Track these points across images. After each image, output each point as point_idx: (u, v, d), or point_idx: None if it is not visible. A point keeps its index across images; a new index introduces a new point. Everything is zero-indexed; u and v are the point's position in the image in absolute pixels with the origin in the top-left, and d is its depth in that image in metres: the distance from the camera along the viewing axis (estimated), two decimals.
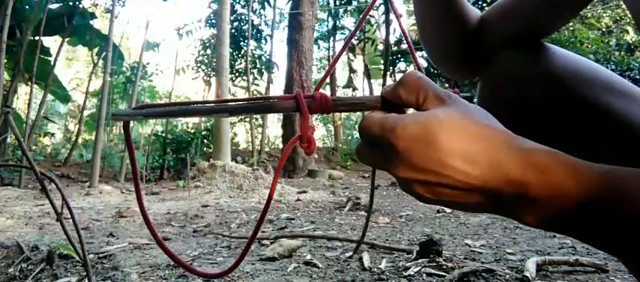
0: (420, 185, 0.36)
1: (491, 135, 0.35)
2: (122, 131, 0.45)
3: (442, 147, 0.34)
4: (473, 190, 0.34)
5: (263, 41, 13.69)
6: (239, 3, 13.07)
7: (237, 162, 7.27)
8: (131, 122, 0.46)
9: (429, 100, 0.38)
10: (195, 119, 16.16)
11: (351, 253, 1.49)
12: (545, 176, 0.33)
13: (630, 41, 8.81)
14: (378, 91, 16.84)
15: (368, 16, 13.88)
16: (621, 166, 0.33)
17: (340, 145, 14.30)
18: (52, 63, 8.65)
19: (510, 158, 0.33)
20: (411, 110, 0.41)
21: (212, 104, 0.44)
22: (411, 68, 12.72)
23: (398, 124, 0.35)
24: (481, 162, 0.34)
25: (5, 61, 5.82)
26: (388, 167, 0.37)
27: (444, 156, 0.34)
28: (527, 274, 1.16)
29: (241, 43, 12.91)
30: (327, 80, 17.18)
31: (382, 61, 13.14)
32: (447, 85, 11.67)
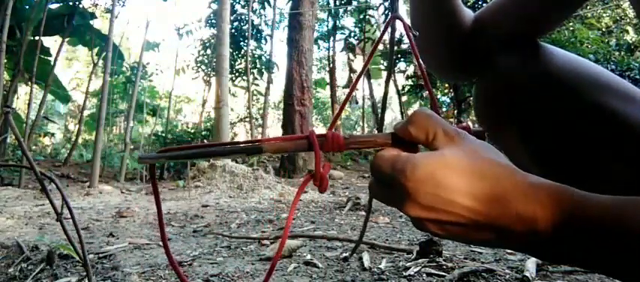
0: (432, 223, 0.36)
1: (498, 172, 0.35)
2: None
3: (450, 186, 0.35)
4: (483, 227, 0.35)
5: (263, 41, 13.68)
6: (239, 3, 13.05)
7: (237, 162, 7.27)
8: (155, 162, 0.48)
9: (439, 139, 0.39)
10: (196, 119, 16.18)
11: (348, 254, 1.49)
12: (553, 211, 0.33)
13: (630, 41, 8.81)
14: (378, 91, 16.75)
15: (368, 16, 13.88)
16: (630, 197, 0.34)
17: None
18: (52, 63, 8.64)
19: (518, 194, 0.34)
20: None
21: (229, 146, 0.46)
22: (412, 69, 12.64)
23: (407, 165, 0.36)
24: (489, 200, 0.34)
25: (5, 61, 5.82)
26: (400, 206, 0.37)
27: (452, 195, 0.35)
28: (527, 274, 1.16)
29: (241, 43, 12.90)
30: (328, 80, 17.16)
31: (382, 61, 13.15)
32: (447, 84, 11.67)
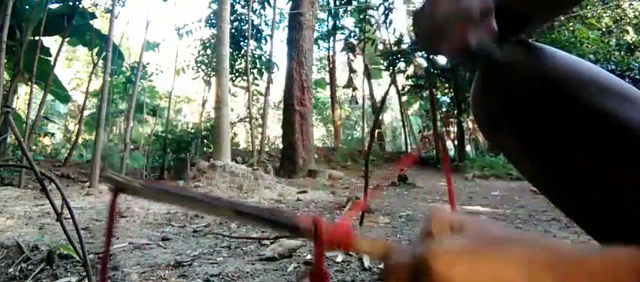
0: None
1: (518, 254, 0.32)
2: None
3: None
4: None
5: (263, 41, 13.69)
6: (239, 3, 13.06)
7: (237, 162, 7.27)
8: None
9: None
10: (196, 119, 16.18)
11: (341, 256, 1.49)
12: None
13: (630, 41, 8.82)
14: (378, 90, 16.64)
15: (368, 16, 13.88)
16: None
17: (340, 145, 14.30)
18: (52, 63, 8.65)
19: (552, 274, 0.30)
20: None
21: (219, 200, 0.37)
22: (411, 69, 12.51)
23: None
24: None
25: (5, 61, 5.82)
26: None
27: None
28: None
29: (241, 43, 12.91)
30: (328, 80, 17.16)
31: (382, 61, 13.14)
32: (447, 85, 11.67)
